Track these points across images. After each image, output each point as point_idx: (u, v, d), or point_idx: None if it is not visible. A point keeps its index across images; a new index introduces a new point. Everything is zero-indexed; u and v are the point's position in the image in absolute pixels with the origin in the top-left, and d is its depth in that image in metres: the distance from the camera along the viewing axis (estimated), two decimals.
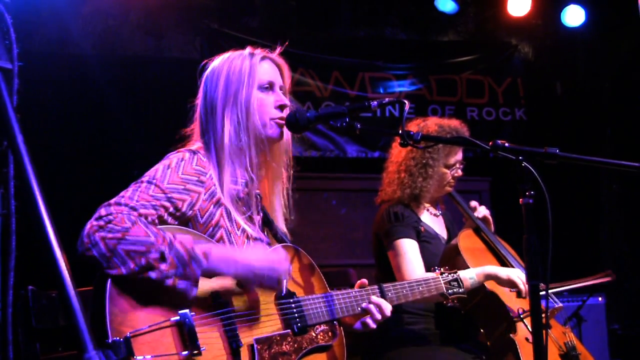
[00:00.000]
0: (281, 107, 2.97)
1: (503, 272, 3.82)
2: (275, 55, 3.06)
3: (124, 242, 2.39)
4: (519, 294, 3.83)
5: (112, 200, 2.53)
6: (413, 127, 4.11)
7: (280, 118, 2.95)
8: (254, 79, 2.92)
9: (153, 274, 2.40)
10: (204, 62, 3.06)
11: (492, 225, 4.41)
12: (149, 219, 2.56)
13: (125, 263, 2.38)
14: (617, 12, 7.64)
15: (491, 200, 7.14)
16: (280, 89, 3.03)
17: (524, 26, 7.98)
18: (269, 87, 2.98)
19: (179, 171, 2.71)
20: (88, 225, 2.42)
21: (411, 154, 4.15)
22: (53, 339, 2.64)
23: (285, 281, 2.76)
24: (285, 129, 2.98)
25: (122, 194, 2.58)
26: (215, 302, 2.61)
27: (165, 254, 2.41)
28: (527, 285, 3.75)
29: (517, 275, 3.81)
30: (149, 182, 2.64)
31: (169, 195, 2.64)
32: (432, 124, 4.15)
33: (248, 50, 3.02)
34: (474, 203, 4.40)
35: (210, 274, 2.57)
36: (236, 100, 2.90)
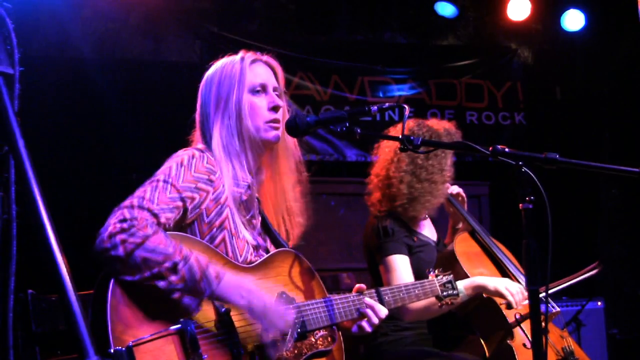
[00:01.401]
0: (274, 109, 2.97)
1: (491, 283, 3.80)
2: (267, 57, 3.07)
3: (143, 248, 2.39)
4: (509, 306, 3.81)
5: (135, 202, 2.52)
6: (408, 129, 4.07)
7: (274, 120, 2.96)
8: (244, 82, 2.94)
9: (162, 283, 2.41)
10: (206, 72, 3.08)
11: (466, 205, 4.39)
12: (167, 225, 2.59)
13: (140, 269, 2.39)
14: (617, 17, 7.65)
15: (490, 205, 7.14)
16: (275, 91, 3.03)
17: (524, 30, 7.99)
18: (262, 89, 2.98)
19: (191, 169, 2.72)
20: (111, 226, 2.42)
21: (420, 161, 4.08)
22: (52, 343, 2.64)
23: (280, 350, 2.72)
24: (283, 132, 2.99)
25: (141, 194, 2.58)
26: (216, 310, 2.60)
27: (178, 267, 2.42)
28: (516, 296, 3.77)
29: (505, 286, 3.78)
30: (165, 181, 2.64)
31: (183, 195, 2.65)
32: (442, 129, 4.12)
33: (240, 54, 3.03)
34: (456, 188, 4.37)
35: (218, 297, 2.56)
36: (227, 105, 2.91)
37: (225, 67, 2.99)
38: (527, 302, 3.80)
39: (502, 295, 3.77)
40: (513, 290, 3.77)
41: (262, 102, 2.96)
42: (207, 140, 2.93)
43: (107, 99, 6.37)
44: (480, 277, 3.86)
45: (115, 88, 6.46)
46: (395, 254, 3.97)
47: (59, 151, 6.13)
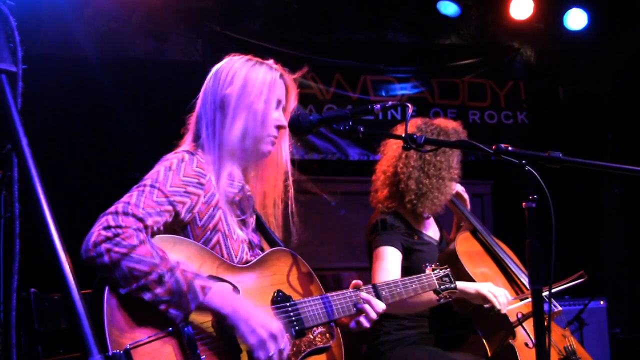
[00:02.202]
0: (279, 128, 2.97)
1: (471, 287, 3.77)
2: (291, 77, 3.06)
3: (129, 259, 2.37)
4: (492, 309, 3.77)
5: (120, 209, 2.49)
6: (412, 127, 4.07)
7: (275, 137, 2.97)
8: (273, 95, 2.93)
9: (147, 296, 2.39)
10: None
11: (468, 204, 4.38)
12: (155, 228, 2.55)
13: (127, 280, 2.37)
14: (620, 16, 7.64)
15: (493, 204, 7.13)
16: (283, 110, 3.03)
17: (526, 29, 7.98)
18: (277, 104, 2.98)
19: (180, 173, 2.69)
20: (95, 234, 2.40)
21: (428, 157, 4.08)
22: (54, 342, 2.64)
23: (269, 354, 2.58)
24: (276, 146, 3.00)
25: (126, 199, 2.54)
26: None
27: (164, 279, 2.39)
28: (499, 299, 3.74)
29: (489, 289, 3.76)
30: (152, 186, 2.61)
31: (171, 199, 2.62)
32: (450, 127, 4.13)
33: (271, 61, 3.01)
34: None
35: (204, 309, 2.52)
36: (251, 108, 2.88)
37: (255, 69, 2.95)
38: (513, 305, 3.82)
39: (485, 299, 3.75)
40: (497, 293, 3.75)
41: (274, 117, 2.96)
42: (210, 129, 2.89)
43: (110, 98, 6.37)
44: (461, 282, 3.81)
45: (118, 87, 6.45)
46: (386, 245, 3.97)
47: (61, 150, 6.14)
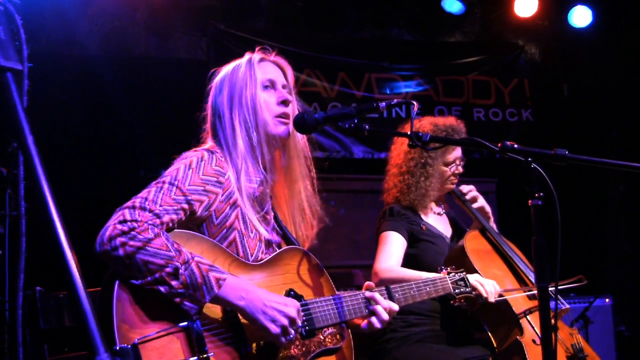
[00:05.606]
0: (284, 103, 2.99)
1: None
2: (275, 56, 3.10)
3: (144, 252, 2.38)
4: (480, 298, 3.75)
5: (137, 203, 2.51)
6: (407, 128, 4.09)
7: (283, 114, 2.97)
8: (254, 79, 2.95)
9: (163, 288, 2.41)
10: (212, 71, 3.11)
11: (490, 214, 4.38)
12: (170, 225, 2.57)
13: (142, 273, 2.38)
14: (624, 13, 7.63)
15: (498, 202, 7.13)
16: (284, 88, 3.05)
17: (531, 27, 7.97)
18: (270, 85, 3.01)
19: (199, 172, 2.71)
20: (110, 228, 2.41)
21: (409, 155, 4.19)
22: (59, 340, 2.64)
23: (290, 336, 2.62)
24: (294, 131, 2.99)
25: (144, 195, 2.56)
26: (223, 307, 2.59)
27: (180, 272, 2.41)
28: (486, 287, 3.73)
29: (475, 279, 3.75)
30: (170, 183, 2.62)
31: (189, 197, 2.64)
32: (427, 123, 4.16)
33: (247, 56, 3.05)
34: (465, 187, 4.36)
35: (218, 301, 2.54)
36: (241, 101, 2.92)
37: (235, 69, 3.01)
38: (514, 295, 3.82)
39: (473, 288, 3.75)
40: (484, 282, 3.75)
41: (271, 98, 2.98)
42: (218, 138, 2.93)
43: (114, 97, 6.37)
44: None
45: (122, 86, 6.45)
46: (390, 230, 4.04)
47: (66, 148, 6.14)
